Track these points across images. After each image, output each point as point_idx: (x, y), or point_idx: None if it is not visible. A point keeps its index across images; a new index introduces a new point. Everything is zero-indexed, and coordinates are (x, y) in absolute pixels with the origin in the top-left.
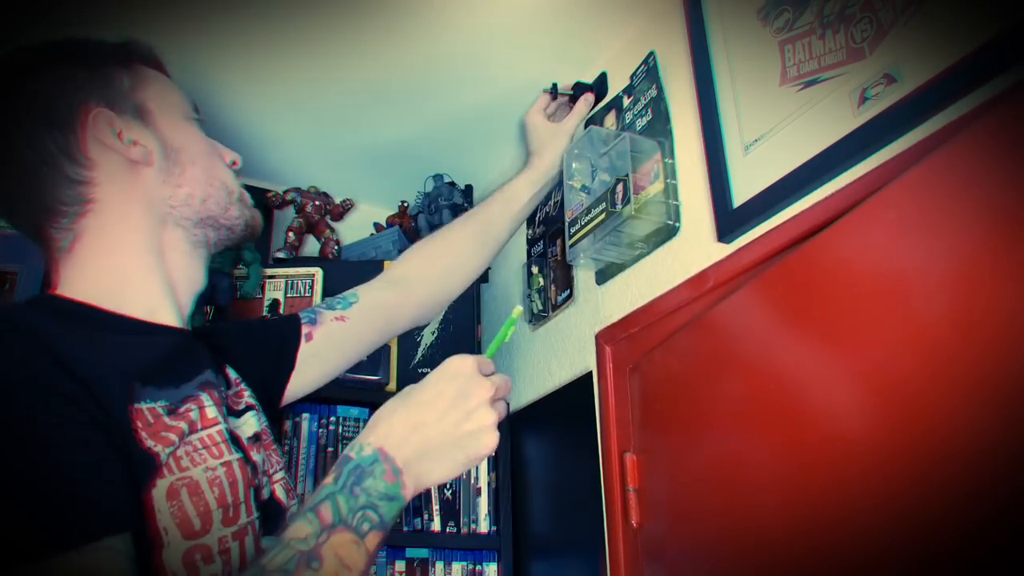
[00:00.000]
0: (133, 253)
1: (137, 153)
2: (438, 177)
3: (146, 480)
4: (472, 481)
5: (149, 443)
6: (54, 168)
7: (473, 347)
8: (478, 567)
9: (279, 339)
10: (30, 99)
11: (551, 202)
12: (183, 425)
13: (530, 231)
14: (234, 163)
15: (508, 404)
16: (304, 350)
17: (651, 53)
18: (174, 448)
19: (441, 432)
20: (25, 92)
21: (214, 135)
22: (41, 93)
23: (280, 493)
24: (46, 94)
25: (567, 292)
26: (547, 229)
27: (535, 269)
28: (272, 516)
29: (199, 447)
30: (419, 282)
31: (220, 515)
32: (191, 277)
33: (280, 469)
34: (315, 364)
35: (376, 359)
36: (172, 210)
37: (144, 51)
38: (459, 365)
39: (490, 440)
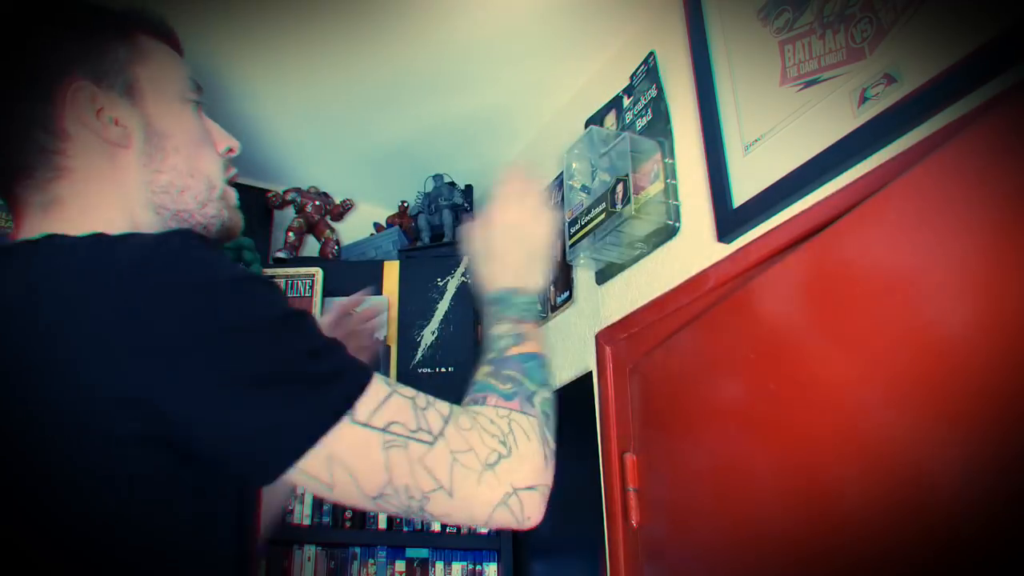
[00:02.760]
0: (114, 230)
1: (115, 134)
2: (438, 177)
3: None
4: None
5: None
6: (25, 133)
7: (473, 347)
8: (478, 567)
9: None
10: (12, 60)
11: (551, 202)
12: None
13: None
14: (231, 151)
15: (561, 297)
16: None
17: (651, 53)
18: None
19: (522, 253)
20: (8, 51)
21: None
22: (25, 55)
23: None
24: (31, 54)
25: (566, 294)
26: None
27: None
28: None
29: None
30: None
31: None
32: None
33: None
34: None
35: (376, 359)
36: (152, 195)
37: (150, 22)
38: (499, 218)
39: (544, 234)
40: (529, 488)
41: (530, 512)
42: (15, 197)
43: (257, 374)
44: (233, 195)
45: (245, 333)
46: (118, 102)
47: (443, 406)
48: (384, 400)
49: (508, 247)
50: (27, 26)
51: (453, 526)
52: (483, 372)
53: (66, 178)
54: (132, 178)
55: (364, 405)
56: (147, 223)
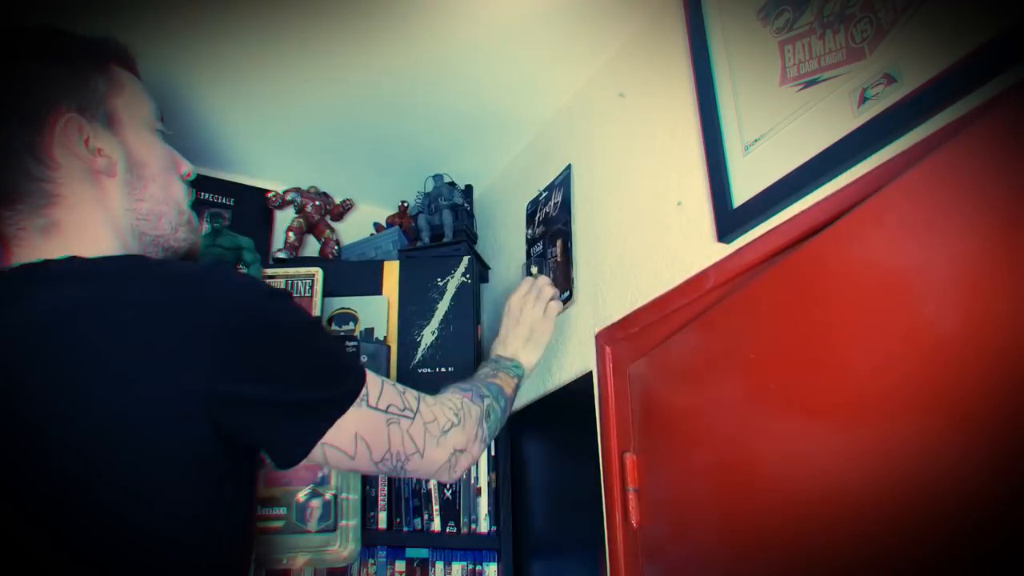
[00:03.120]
0: (113, 252)
1: (101, 164)
2: (438, 177)
3: None
4: (472, 481)
5: None
6: (16, 162)
7: (472, 347)
8: (478, 567)
9: None
10: (2, 90)
11: (551, 202)
12: None
13: (530, 231)
14: (188, 174)
15: (561, 297)
16: None
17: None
18: None
19: (518, 337)
20: (1, 83)
21: (214, 134)
22: (15, 86)
23: None
24: (20, 87)
25: (567, 293)
26: (547, 229)
27: (535, 270)
28: None
29: None
30: None
31: None
32: None
33: None
34: None
35: (376, 360)
36: (136, 222)
37: (119, 51)
38: (514, 305)
39: (542, 329)
40: (462, 451)
41: (458, 470)
42: (3, 219)
43: (295, 367)
44: (195, 218)
45: (288, 335)
46: (101, 133)
47: (412, 391)
48: (382, 388)
49: (510, 329)
50: (17, 58)
51: (454, 526)
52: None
53: (59, 204)
54: (117, 205)
55: (372, 392)
56: (133, 248)
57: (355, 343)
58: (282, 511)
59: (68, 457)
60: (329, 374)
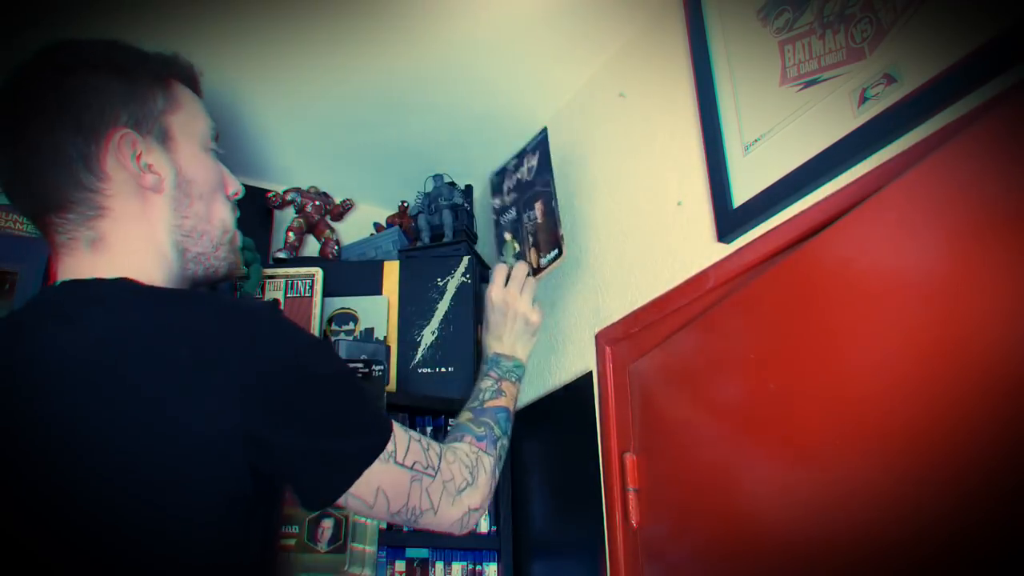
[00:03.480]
0: (157, 269)
1: (150, 181)
2: (438, 177)
3: None
4: None
5: None
6: (68, 170)
7: (472, 347)
8: (478, 567)
9: None
10: (64, 99)
11: (524, 167)
12: None
13: (497, 200)
14: (235, 193)
15: (549, 256)
16: None
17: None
18: None
19: (514, 332)
20: (61, 91)
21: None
22: (76, 96)
23: None
24: (80, 99)
25: (555, 251)
26: (521, 195)
27: (508, 236)
28: None
29: None
30: None
31: None
32: None
33: None
34: None
35: (376, 359)
36: (180, 238)
37: (184, 68)
38: (497, 300)
39: (535, 320)
40: (476, 509)
41: (470, 526)
42: (53, 225)
43: (331, 417)
44: (238, 237)
45: (326, 386)
46: (154, 149)
47: (436, 445)
48: (408, 444)
49: (502, 324)
50: (80, 70)
51: None
52: (465, 417)
53: (107, 217)
54: (162, 220)
55: (400, 448)
56: (174, 263)
57: (381, 368)
58: (294, 530)
59: (107, 482)
60: (360, 427)
